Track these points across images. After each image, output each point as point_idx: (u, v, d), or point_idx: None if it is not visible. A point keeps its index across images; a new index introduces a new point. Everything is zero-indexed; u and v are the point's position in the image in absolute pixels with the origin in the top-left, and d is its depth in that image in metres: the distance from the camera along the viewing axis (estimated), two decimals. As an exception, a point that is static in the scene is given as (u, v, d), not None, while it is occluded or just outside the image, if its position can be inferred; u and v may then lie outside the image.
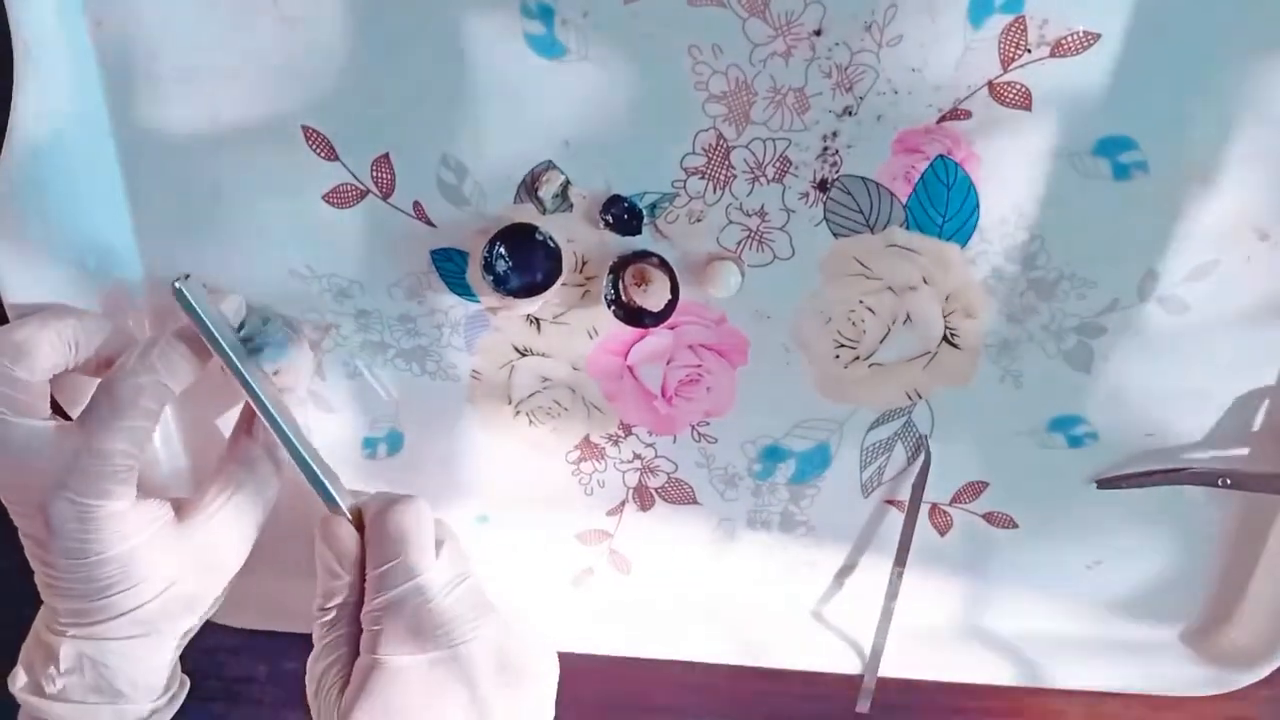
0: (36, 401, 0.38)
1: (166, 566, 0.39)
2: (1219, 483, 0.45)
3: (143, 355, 0.39)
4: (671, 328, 0.44)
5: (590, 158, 0.40)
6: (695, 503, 0.48)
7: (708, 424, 0.46)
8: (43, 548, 0.38)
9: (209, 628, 0.44)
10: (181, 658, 0.42)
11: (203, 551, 0.41)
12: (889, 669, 0.50)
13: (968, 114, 0.39)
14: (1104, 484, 0.46)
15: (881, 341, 0.44)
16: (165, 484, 0.46)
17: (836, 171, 0.40)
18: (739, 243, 0.42)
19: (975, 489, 0.47)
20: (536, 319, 0.44)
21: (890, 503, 0.48)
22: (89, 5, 0.38)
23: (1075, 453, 0.46)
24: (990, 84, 0.38)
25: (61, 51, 0.38)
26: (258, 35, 0.38)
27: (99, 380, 0.39)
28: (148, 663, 0.40)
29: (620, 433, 0.46)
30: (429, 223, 0.42)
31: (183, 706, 0.43)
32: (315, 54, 0.39)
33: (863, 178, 0.40)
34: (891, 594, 0.49)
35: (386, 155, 0.40)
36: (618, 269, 0.41)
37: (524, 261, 0.41)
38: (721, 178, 0.40)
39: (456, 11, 0.38)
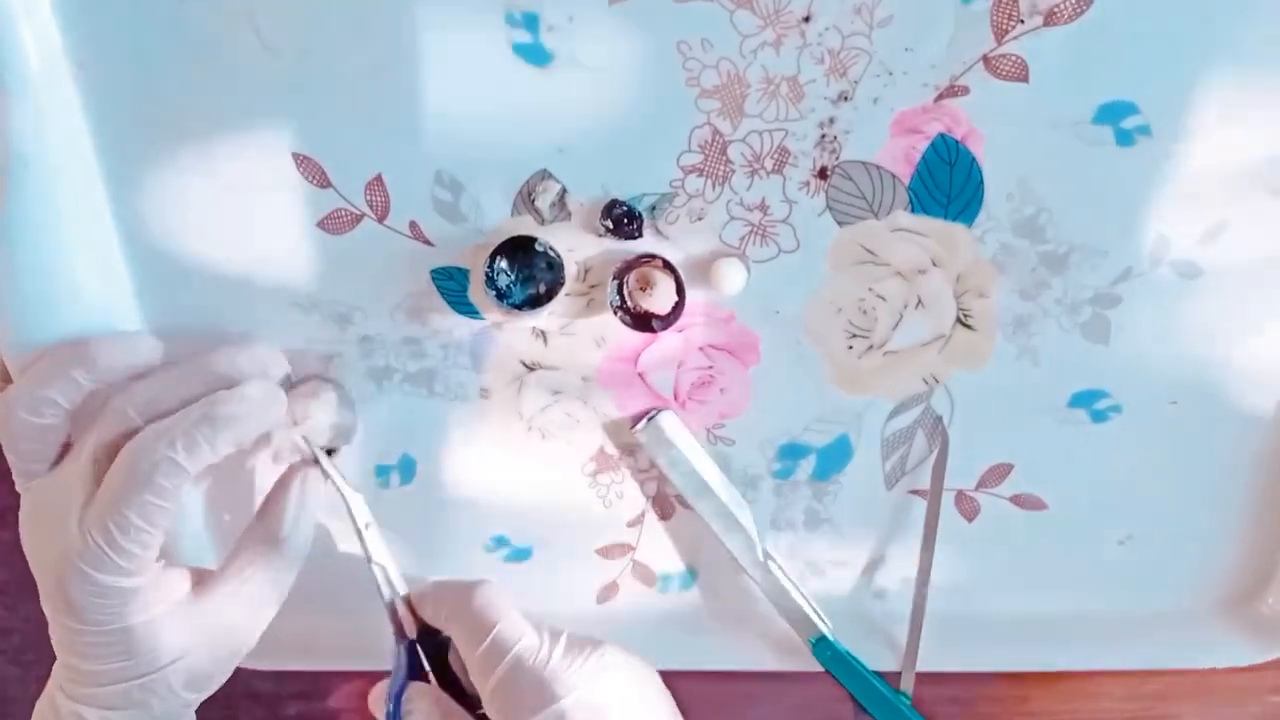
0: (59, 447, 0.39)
1: (179, 640, 0.39)
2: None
3: (165, 432, 0.37)
4: (680, 330, 0.43)
5: (585, 163, 0.40)
6: (717, 507, 0.47)
7: (724, 426, 0.45)
8: (60, 612, 0.37)
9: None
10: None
11: (217, 630, 0.40)
12: (926, 663, 0.49)
13: (965, 90, 0.38)
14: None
15: (894, 328, 0.43)
16: (185, 552, 0.45)
17: (836, 158, 0.39)
18: (742, 238, 0.41)
19: (1000, 472, 0.46)
20: (542, 332, 0.43)
21: (915, 493, 0.47)
22: (70, 48, 0.37)
23: (1099, 427, 0.45)
24: (985, 58, 0.37)
25: (45, 96, 0.37)
26: (241, 66, 0.38)
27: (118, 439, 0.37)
28: None
29: (636, 441, 0.46)
30: (427, 242, 0.41)
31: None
32: (300, 81, 0.38)
33: (863, 163, 0.39)
34: (922, 585, 0.48)
35: (379, 177, 0.40)
36: (621, 274, 0.41)
37: (526, 274, 0.41)
38: (720, 174, 0.40)
39: (441, 26, 0.37)
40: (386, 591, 0.43)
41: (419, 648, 0.43)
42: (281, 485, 0.42)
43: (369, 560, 0.43)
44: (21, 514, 0.39)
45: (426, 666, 0.43)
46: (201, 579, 0.40)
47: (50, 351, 0.39)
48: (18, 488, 0.39)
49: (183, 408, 0.38)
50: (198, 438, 0.37)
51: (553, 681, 0.38)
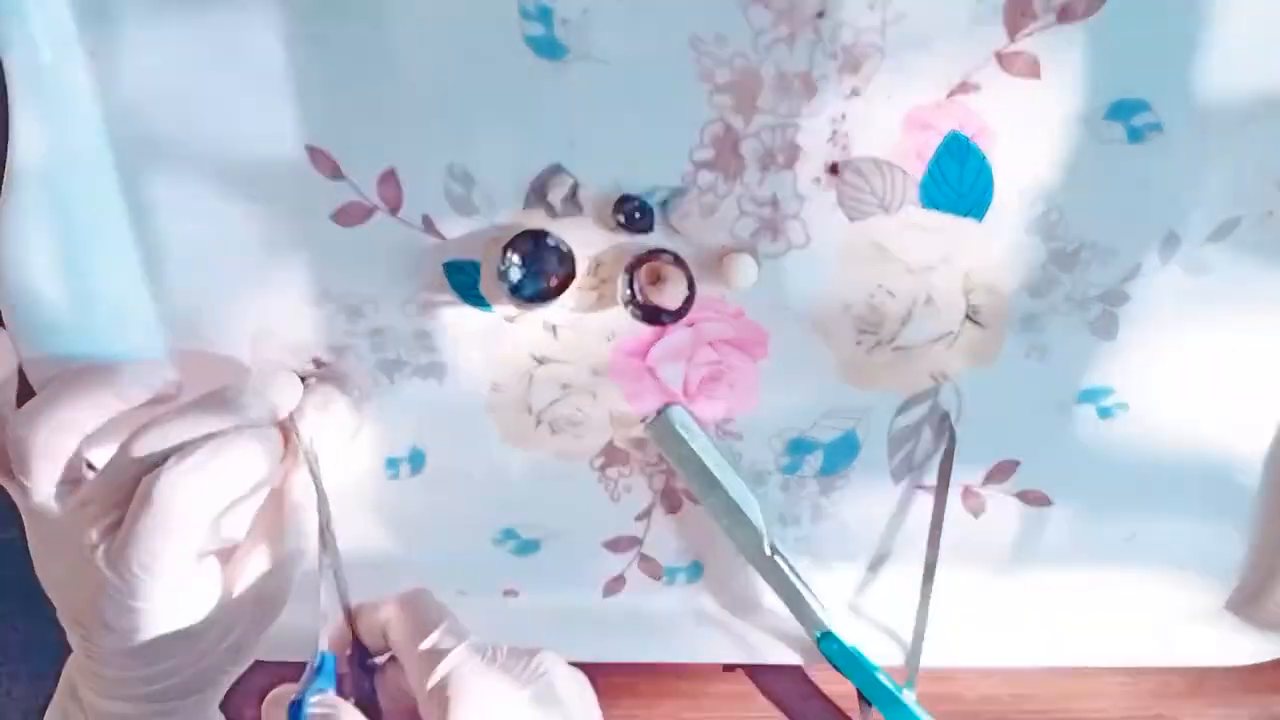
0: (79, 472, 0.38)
1: (220, 623, 0.39)
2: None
3: (189, 470, 0.36)
4: (690, 325, 0.43)
5: (598, 158, 0.40)
6: (724, 502, 0.47)
7: (732, 420, 0.46)
8: (95, 633, 0.37)
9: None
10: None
11: (253, 602, 0.40)
12: (931, 659, 0.49)
13: (977, 87, 0.38)
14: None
15: (903, 324, 0.43)
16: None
17: (847, 154, 0.40)
18: (753, 233, 0.41)
19: (1007, 468, 0.47)
20: (553, 325, 0.43)
21: (921, 488, 0.47)
22: (83, 37, 0.37)
23: (1106, 424, 0.45)
24: (998, 54, 0.38)
25: (58, 85, 0.37)
26: (255, 56, 0.38)
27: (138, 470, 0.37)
28: None
29: (644, 435, 0.46)
30: (439, 235, 0.41)
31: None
32: (314, 72, 0.38)
33: (874, 159, 0.40)
34: (928, 580, 0.48)
35: (392, 170, 0.40)
36: (632, 268, 0.41)
37: (537, 268, 0.41)
38: (731, 169, 0.40)
39: (455, 18, 0.37)
40: (325, 599, 0.41)
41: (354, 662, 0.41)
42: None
43: (323, 562, 0.41)
44: (33, 545, 0.39)
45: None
46: (229, 556, 0.40)
47: (77, 372, 0.39)
48: (19, 505, 0.39)
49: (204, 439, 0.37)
50: (218, 472, 0.36)
51: (502, 677, 0.37)
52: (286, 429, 0.41)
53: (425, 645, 0.37)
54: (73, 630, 0.38)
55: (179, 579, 0.36)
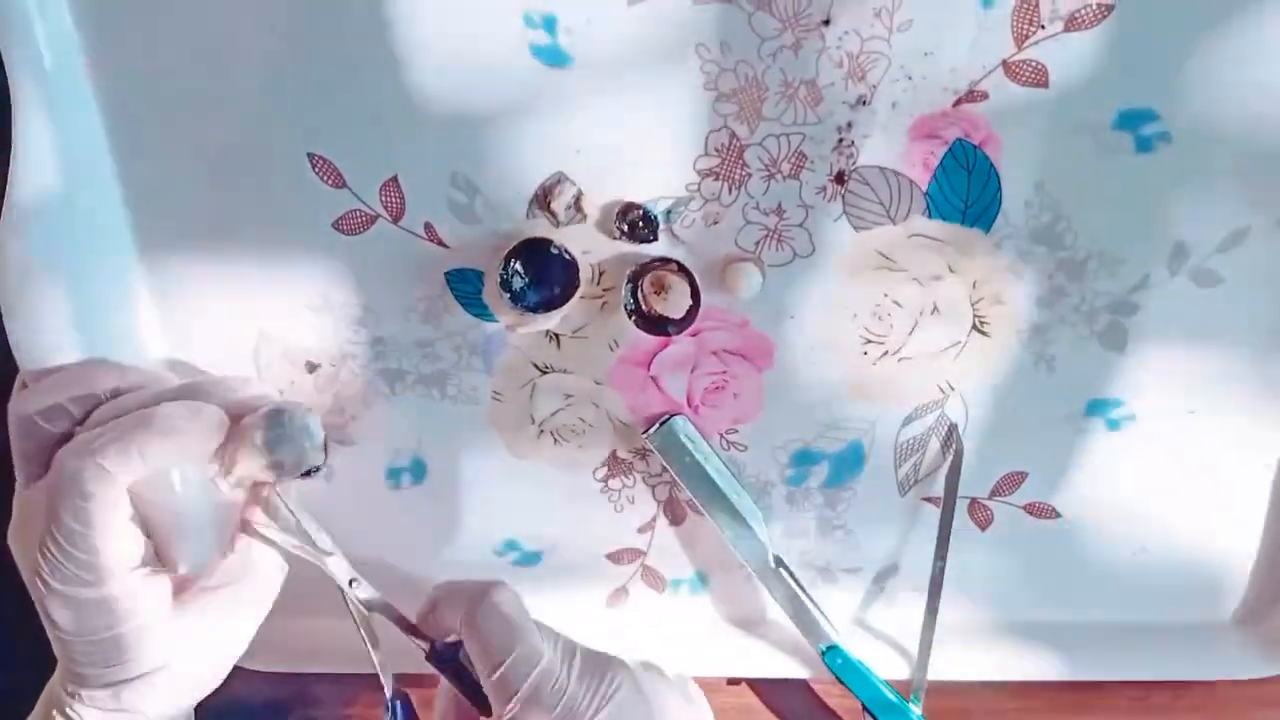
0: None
1: (159, 651, 0.38)
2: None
3: (94, 437, 0.35)
4: (694, 335, 0.43)
5: (602, 166, 0.39)
6: (728, 513, 0.47)
7: (736, 431, 0.45)
8: (45, 622, 0.37)
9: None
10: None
11: (201, 640, 0.39)
12: (937, 672, 0.48)
13: (984, 95, 0.38)
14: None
15: (910, 334, 0.43)
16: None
17: (853, 163, 0.39)
18: (758, 243, 0.41)
19: (1014, 480, 0.46)
20: (556, 335, 0.43)
21: (928, 500, 0.47)
22: (85, 46, 0.37)
23: (1115, 436, 0.45)
24: (1005, 63, 0.37)
25: (60, 92, 0.37)
26: (257, 63, 0.38)
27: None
28: None
29: (648, 446, 0.45)
30: (441, 244, 0.41)
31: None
32: (316, 79, 0.38)
33: (881, 167, 0.39)
34: (934, 593, 0.47)
35: (395, 178, 0.40)
36: (636, 278, 0.41)
37: (540, 276, 0.41)
38: (736, 177, 0.40)
39: (459, 26, 0.37)
40: (378, 657, 0.41)
41: (437, 658, 0.41)
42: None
43: (359, 624, 0.41)
44: (10, 526, 0.39)
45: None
46: (185, 587, 0.39)
47: (82, 363, 0.39)
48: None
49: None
50: (129, 445, 0.35)
51: (573, 710, 0.37)
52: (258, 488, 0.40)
53: (496, 676, 0.37)
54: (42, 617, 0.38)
55: (98, 570, 0.36)
